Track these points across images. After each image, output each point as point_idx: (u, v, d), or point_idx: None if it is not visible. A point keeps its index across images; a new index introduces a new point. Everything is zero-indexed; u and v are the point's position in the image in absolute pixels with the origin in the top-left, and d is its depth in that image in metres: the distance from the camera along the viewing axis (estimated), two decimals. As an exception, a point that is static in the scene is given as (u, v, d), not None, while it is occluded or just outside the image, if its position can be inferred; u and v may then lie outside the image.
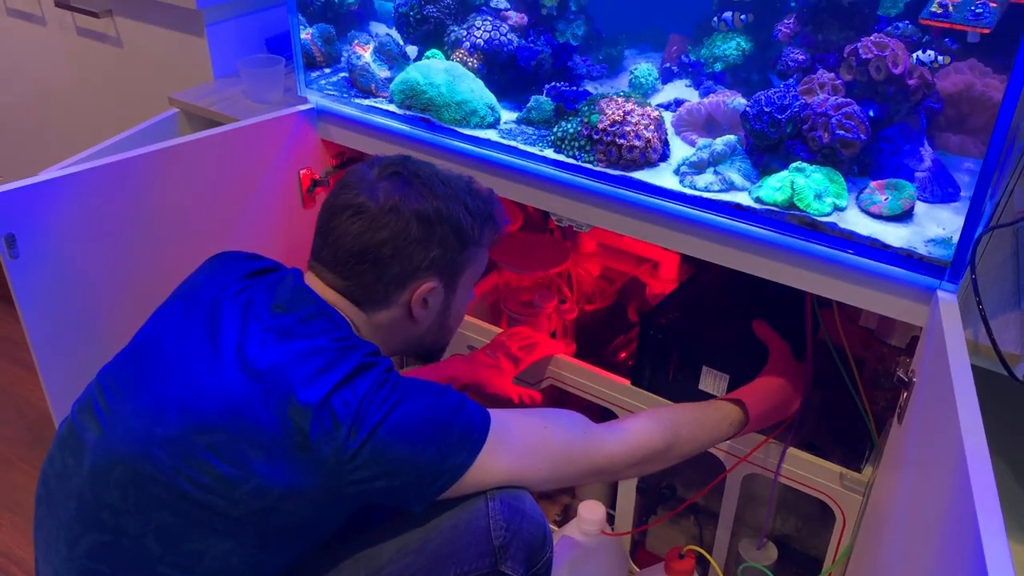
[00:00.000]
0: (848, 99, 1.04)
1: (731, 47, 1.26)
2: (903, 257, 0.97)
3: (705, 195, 1.07)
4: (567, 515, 1.53)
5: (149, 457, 0.87)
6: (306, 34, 1.39)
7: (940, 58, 0.99)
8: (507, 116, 1.27)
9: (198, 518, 0.86)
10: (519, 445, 0.94)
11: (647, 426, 1.03)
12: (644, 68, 1.31)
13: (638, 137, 1.12)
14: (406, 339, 1.03)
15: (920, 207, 1.03)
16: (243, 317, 0.93)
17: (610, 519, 1.40)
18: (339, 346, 0.90)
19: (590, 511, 1.33)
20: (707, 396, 1.23)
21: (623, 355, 1.39)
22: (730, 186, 1.07)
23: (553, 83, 1.25)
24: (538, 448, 0.96)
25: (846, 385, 1.18)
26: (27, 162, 1.78)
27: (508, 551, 0.92)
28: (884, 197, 1.02)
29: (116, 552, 0.89)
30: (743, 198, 1.06)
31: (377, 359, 0.92)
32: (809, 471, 1.18)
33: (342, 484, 0.85)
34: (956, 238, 0.94)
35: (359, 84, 1.36)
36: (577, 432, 0.98)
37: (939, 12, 0.91)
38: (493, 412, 0.94)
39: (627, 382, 1.30)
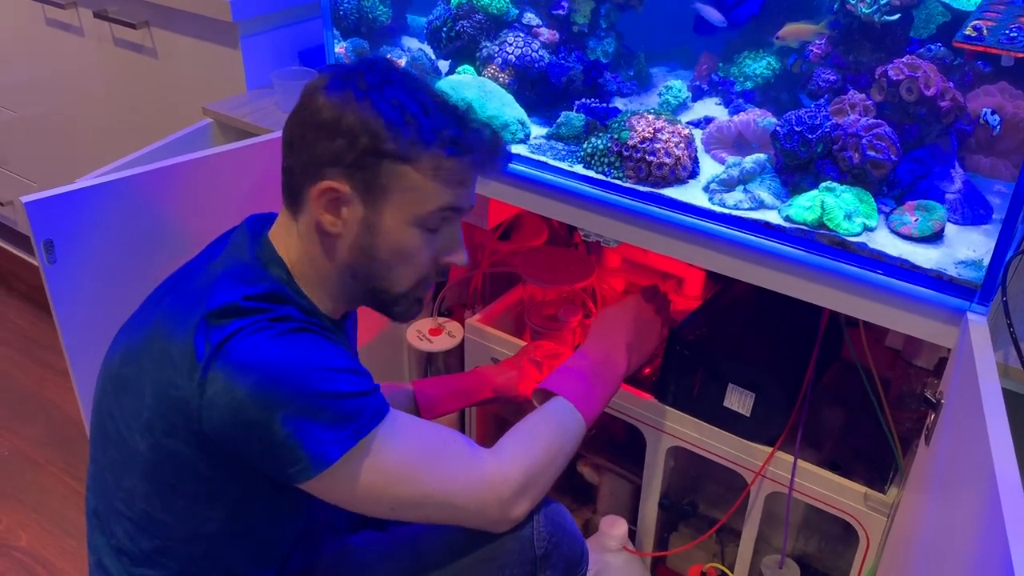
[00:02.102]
0: (879, 120, 1.04)
1: (762, 66, 1.27)
2: (933, 278, 0.97)
3: (734, 213, 1.07)
4: (587, 530, 1.53)
5: (104, 392, 0.94)
6: (340, 48, 1.41)
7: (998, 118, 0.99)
8: (537, 131, 1.29)
9: (127, 454, 0.90)
10: (410, 450, 0.90)
11: (515, 440, 0.98)
12: (674, 86, 1.32)
13: (668, 154, 1.12)
14: (334, 260, 0.93)
15: (950, 229, 1.03)
16: (198, 262, 0.96)
17: (631, 535, 1.40)
18: (226, 279, 0.89)
19: (612, 526, 1.33)
20: (732, 414, 1.23)
21: (647, 371, 1.40)
22: (759, 204, 1.08)
23: (583, 99, 1.26)
24: (432, 457, 0.91)
25: (871, 405, 1.18)
26: (64, 169, 1.81)
27: (549, 561, 0.97)
28: (914, 218, 1.02)
29: (96, 483, 0.96)
30: (772, 216, 1.06)
31: (259, 304, 0.86)
32: (833, 491, 1.18)
33: (203, 426, 0.84)
34: (987, 260, 0.94)
35: (391, 98, 1.38)
36: (468, 452, 0.94)
37: (973, 35, 0.91)
38: (393, 414, 0.89)
39: (651, 398, 1.31)
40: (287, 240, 0.94)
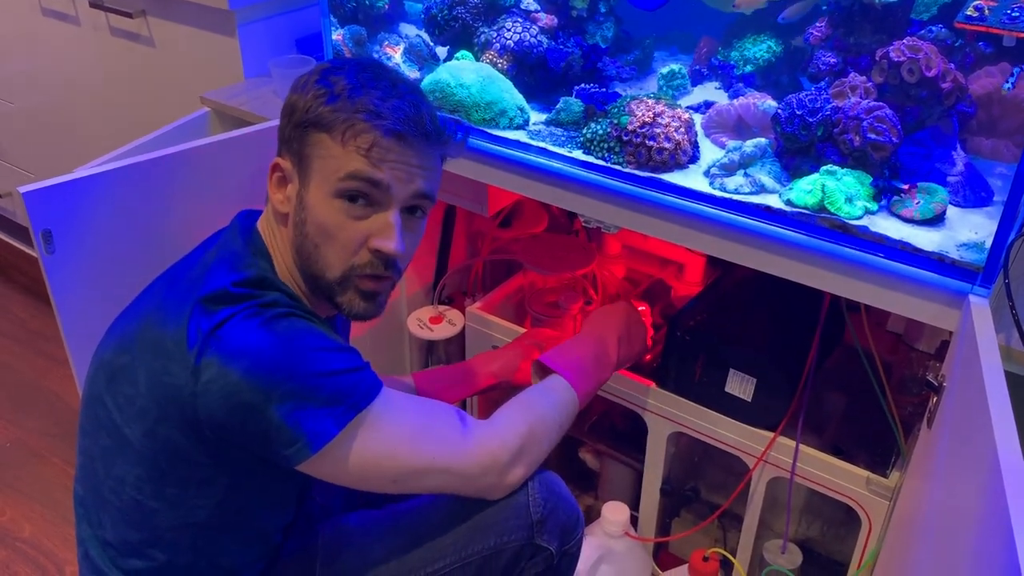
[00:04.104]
0: (880, 102, 1.04)
1: (762, 50, 1.26)
2: (935, 261, 0.96)
3: (735, 197, 1.07)
4: (589, 516, 1.54)
5: (95, 379, 0.94)
6: (337, 35, 1.40)
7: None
8: (536, 117, 1.28)
9: (119, 441, 0.90)
10: (407, 422, 0.92)
11: (509, 410, 1.01)
12: (674, 70, 1.31)
13: (668, 139, 1.12)
14: (288, 244, 0.95)
15: (952, 211, 1.03)
16: (192, 257, 0.98)
17: (633, 521, 1.40)
18: (216, 268, 0.90)
19: (614, 512, 1.33)
20: (733, 399, 1.23)
21: (648, 357, 1.39)
22: (760, 188, 1.07)
23: (582, 85, 1.25)
24: (428, 427, 0.93)
25: (873, 389, 1.18)
26: (61, 160, 1.80)
27: (545, 526, 0.99)
28: (916, 201, 1.01)
29: (85, 474, 0.96)
30: (773, 200, 1.06)
31: (248, 290, 0.88)
32: (835, 475, 1.18)
33: (198, 413, 0.84)
34: (989, 242, 0.93)
35: (389, 85, 1.37)
36: (463, 421, 0.96)
37: (974, 16, 0.90)
38: (386, 390, 0.91)
39: (652, 384, 1.30)
40: (267, 229, 0.97)
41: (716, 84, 1.33)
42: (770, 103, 1.15)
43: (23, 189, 1.11)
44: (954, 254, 0.96)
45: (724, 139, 1.19)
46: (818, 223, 1.02)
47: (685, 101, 1.29)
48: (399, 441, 0.90)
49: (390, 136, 0.89)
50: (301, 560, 1.02)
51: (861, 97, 1.05)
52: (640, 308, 1.30)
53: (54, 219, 1.14)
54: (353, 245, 0.92)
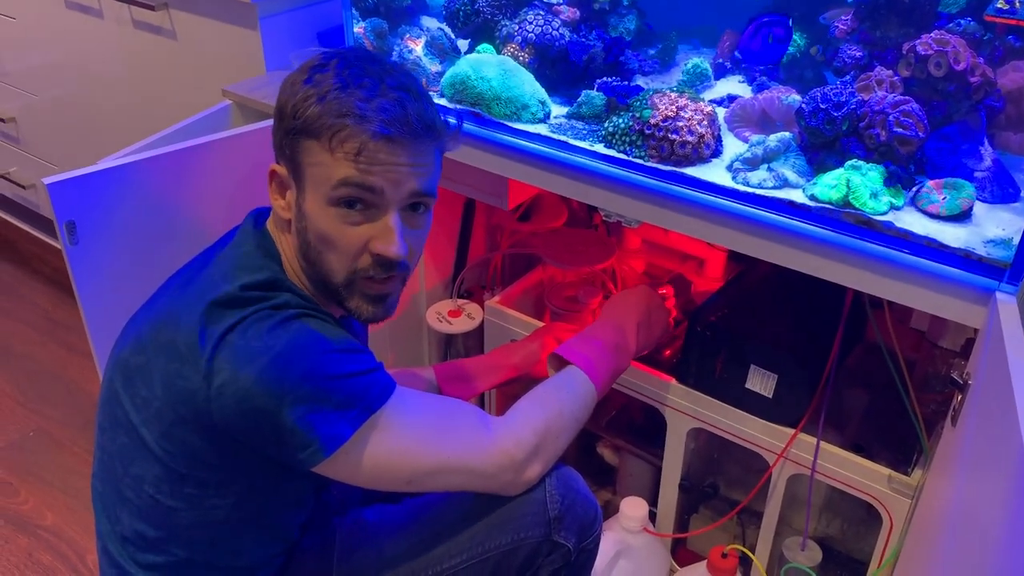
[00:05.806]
0: (906, 97, 1.02)
1: (786, 43, 1.25)
2: (961, 258, 0.95)
3: (758, 192, 1.06)
4: (607, 512, 1.53)
5: (111, 379, 0.94)
6: (359, 28, 1.40)
7: None
8: (557, 111, 1.27)
9: (137, 441, 0.91)
10: (421, 422, 0.92)
11: (525, 406, 1.01)
12: (697, 63, 1.30)
13: (691, 132, 1.11)
14: (293, 248, 0.94)
15: (979, 207, 1.01)
16: (206, 256, 0.97)
17: (652, 516, 1.40)
18: (224, 271, 0.90)
19: (632, 508, 1.33)
20: (754, 395, 1.22)
21: (667, 352, 1.39)
22: (784, 183, 1.06)
23: (604, 78, 1.24)
24: (443, 426, 0.93)
25: (895, 387, 1.17)
26: (85, 152, 1.82)
27: (563, 522, 0.99)
28: (942, 196, 1.00)
29: (103, 470, 0.97)
30: (797, 195, 1.05)
31: (258, 293, 0.88)
32: (856, 472, 1.17)
33: (213, 417, 0.84)
34: (1017, 239, 0.92)
35: (410, 78, 1.37)
36: (478, 419, 0.96)
37: (1005, 8, 0.89)
38: (400, 390, 0.90)
39: (672, 379, 1.30)
40: (275, 231, 0.96)
41: (739, 78, 1.32)
42: (794, 97, 1.14)
43: (47, 180, 1.12)
44: (981, 251, 0.94)
45: (747, 133, 1.18)
46: (842, 218, 1.01)
47: (708, 95, 1.28)
48: (413, 442, 0.90)
49: (377, 139, 0.86)
50: (319, 555, 1.02)
51: (887, 91, 1.04)
52: (662, 291, 1.29)
53: (78, 210, 1.15)
54: (354, 251, 0.90)
